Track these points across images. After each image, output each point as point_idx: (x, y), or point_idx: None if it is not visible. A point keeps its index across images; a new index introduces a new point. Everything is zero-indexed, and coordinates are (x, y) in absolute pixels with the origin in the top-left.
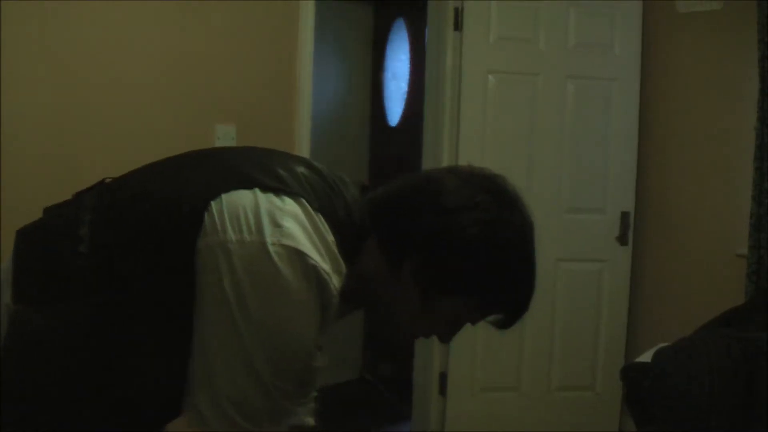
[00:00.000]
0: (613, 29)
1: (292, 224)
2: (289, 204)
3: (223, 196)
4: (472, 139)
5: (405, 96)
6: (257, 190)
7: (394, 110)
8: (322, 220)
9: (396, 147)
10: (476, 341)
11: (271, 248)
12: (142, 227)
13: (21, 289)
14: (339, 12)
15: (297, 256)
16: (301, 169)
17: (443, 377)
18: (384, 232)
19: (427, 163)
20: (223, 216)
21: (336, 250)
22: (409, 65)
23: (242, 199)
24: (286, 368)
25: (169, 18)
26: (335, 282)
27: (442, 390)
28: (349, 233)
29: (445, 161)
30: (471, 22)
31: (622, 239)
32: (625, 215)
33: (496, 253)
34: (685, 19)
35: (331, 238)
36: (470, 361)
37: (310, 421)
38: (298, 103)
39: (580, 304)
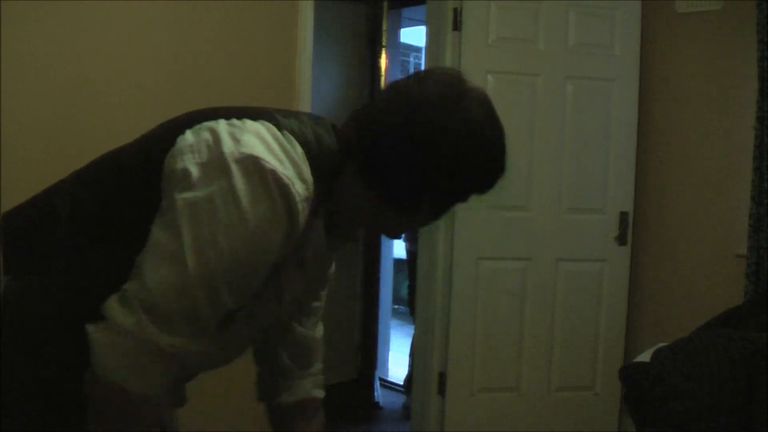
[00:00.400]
0: (613, 29)
1: (251, 137)
2: (249, 124)
3: (188, 131)
4: None
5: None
6: (221, 120)
7: None
8: (289, 136)
9: None
10: (475, 341)
11: (228, 158)
12: (113, 179)
13: (9, 260)
14: (337, 11)
15: (253, 162)
16: (274, 112)
17: (442, 377)
18: (359, 158)
19: None
20: (185, 145)
21: (302, 160)
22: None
23: (205, 127)
24: (233, 277)
25: (169, 18)
26: (299, 188)
27: (441, 390)
28: (322, 157)
29: None
30: (470, 23)
31: (621, 239)
32: (624, 215)
33: (472, 171)
34: (684, 20)
35: (299, 150)
36: (469, 362)
37: (319, 393)
38: (298, 103)
39: (579, 304)
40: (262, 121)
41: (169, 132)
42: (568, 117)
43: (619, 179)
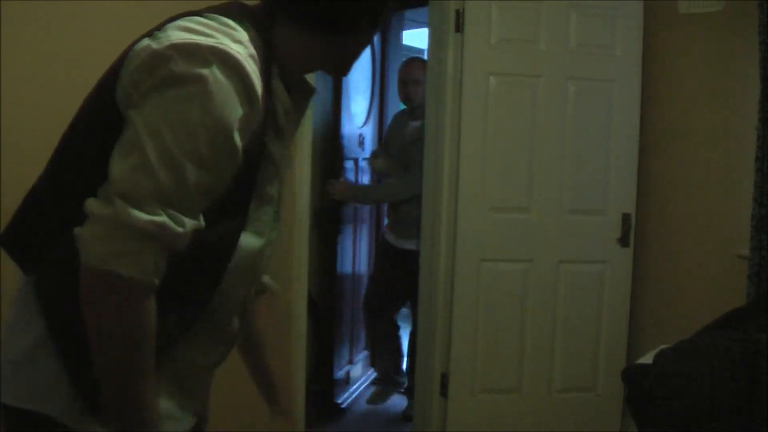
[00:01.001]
0: (614, 30)
1: (174, 31)
2: (170, 24)
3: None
4: (473, 141)
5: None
6: (144, 39)
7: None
8: (211, 15)
9: None
10: (477, 342)
11: (160, 51)
12: (79, 142)
13: (25, 262)
14: None
15: (184, 45)
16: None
17: (444, 378)
18: (287, 3)
19: (428, 164)
20: (125, 71)
21: (231, 27)
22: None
23: (136, 48)
24: (194, 150)
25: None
26: (237, 48)
27: (444, 391)
28: (250, 16)
29: (446, 162)
30: (472, 24)
31: (623, 241)
32: (626, 217)
33: None
34: (686, 20)
35: (225, 20)
36: (471, 363)
37: (274, 284)
38: None
39: (581, 305)
40: (182, 18)
41: (109, 75)
42: (569, 118)
43: (621, 180)
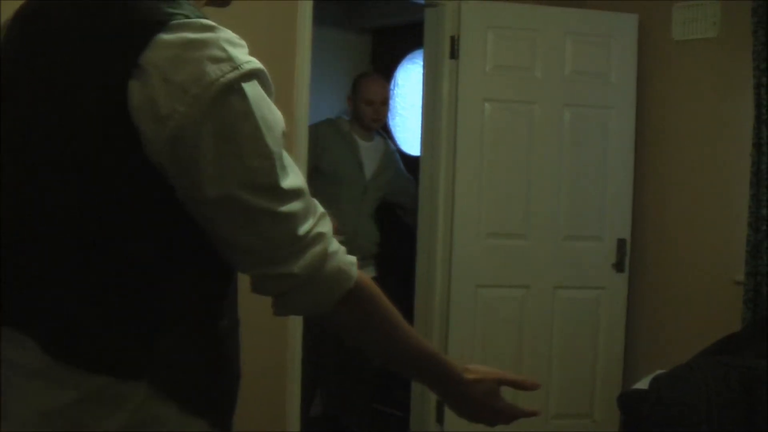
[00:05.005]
0: (609, 57)
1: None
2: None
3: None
4: (468, 167)
5: None
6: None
7: (414, 140)
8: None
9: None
10: None
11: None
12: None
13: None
14: (337, 42)
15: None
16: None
17: (441, 404)
18: None
19: (424, 192)
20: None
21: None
22: None
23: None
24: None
25: None
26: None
27: (440, 418)
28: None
29: (442, 190)
30: (467, 51)
31: (618, 266)
32: (621, 242)
33: None
34: (680, 47)
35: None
36: None
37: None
38: (296, 102)
39: (577, 331)
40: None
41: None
42: (565, 144)
43: (617, 206)
